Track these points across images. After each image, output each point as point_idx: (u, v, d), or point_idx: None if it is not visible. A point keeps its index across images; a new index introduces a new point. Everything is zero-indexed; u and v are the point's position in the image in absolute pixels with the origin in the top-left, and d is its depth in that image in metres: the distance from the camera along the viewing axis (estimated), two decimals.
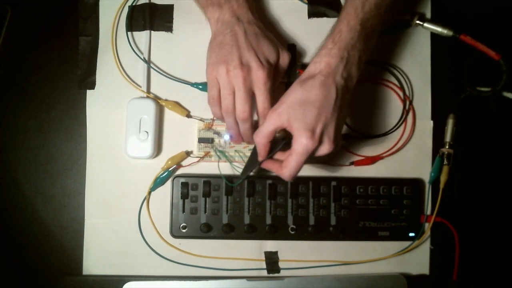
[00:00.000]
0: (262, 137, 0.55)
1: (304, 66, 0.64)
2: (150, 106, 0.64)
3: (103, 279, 0.64)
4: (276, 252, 0.66)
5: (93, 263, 0.65)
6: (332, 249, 0.66)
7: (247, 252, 0.66)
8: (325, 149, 0.53)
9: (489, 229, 0.68)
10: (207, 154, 0.65)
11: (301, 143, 0.52)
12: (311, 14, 0.67)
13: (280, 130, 0.55)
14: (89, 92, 0.65)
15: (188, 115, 0.65)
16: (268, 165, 0.58)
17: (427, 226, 0.66)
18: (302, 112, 0.52)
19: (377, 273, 0.66)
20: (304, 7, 0.67)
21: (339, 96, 0.53)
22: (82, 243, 0.65)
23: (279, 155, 0.57)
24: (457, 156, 0.66)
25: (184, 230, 0.64)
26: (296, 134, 0.52)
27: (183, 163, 0.65)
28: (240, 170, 0.64)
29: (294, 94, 0.53)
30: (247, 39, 0.56)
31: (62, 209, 0.65)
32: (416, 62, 0.68)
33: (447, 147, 0.66)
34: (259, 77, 0.55)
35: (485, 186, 0.68)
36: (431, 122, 0.68)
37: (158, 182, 0.64)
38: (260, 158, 0.57)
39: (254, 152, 0.59)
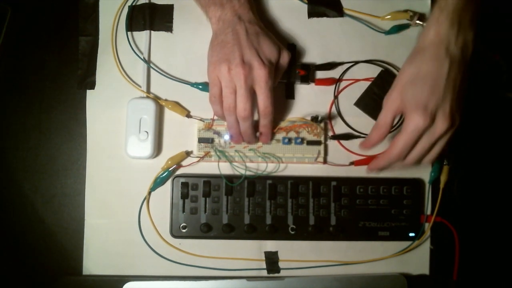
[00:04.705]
0: (381, 128, 0.53)
1: (304, 66, 0.65)
2: (150, 106, 0.64)
3: (103, 279, 0.64)
4: (276, 252, 0.66)
5: (93, 263, 0.64)
6: (332, 249, 0.66)
7: (247, 252, 0.65)
8: (440, 127, 0.49)
9: (489, 229, 0.68)
10: (207, 154, 0.65)
11: (412, 120, 0.49)
12: (311, 14, 0.67)
13: None
14: (89, 92, 0.65)
15: (188, 115, 0.65)
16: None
17: (427, 226, 0.66)
18: (413, 89, 0.49)
19: (377, 273, 0.66)
20: (304, 7, 0.67)
21: (454, 68, 0.49)
22: (82, 243, 0.64)
23: None
24: (457, 156, 0.66)
25: (184, 230, 0.64)
26: (407, 113, 0.50)
27: (183, 163, 0.65)
28: (240, 170, 0.64)
29: (404, 73, 0.51)
30: (248, 38, 0.56)
31: (62, 209, 0.65)
32: None
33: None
34: (261, 76, 0.55)
35: (485, 186, 0.68)
36: None
37: (158, 182, 0.64)
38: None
39: None
